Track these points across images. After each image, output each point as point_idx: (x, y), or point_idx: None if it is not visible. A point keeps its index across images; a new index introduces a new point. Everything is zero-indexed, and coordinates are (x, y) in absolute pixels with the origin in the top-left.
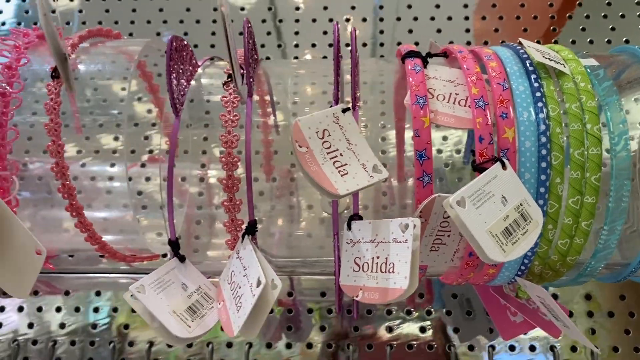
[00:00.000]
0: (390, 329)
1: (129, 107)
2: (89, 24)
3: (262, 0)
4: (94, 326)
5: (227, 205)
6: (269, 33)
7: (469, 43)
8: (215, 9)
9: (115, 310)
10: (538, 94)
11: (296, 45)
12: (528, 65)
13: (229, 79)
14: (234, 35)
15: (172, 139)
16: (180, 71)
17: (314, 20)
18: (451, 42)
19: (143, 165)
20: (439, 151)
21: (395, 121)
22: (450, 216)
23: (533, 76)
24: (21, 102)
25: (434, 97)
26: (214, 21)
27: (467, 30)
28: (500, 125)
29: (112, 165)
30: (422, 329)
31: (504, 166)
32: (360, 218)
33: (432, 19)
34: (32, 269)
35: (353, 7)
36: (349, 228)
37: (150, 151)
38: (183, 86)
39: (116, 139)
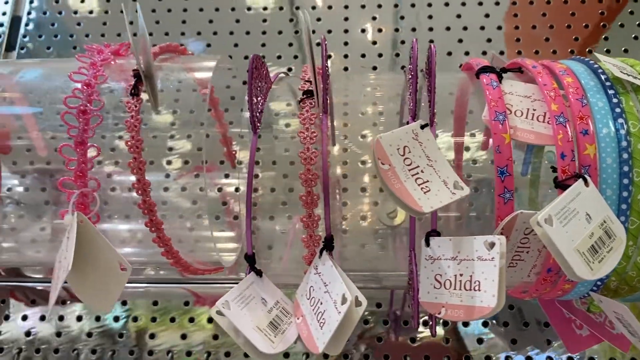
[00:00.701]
0: (447, 341)
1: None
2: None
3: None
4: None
5: (306, 221)
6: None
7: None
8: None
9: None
10: (618, 110)
11: None
12: (604, 80)
13: (306, 96)
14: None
15: (251, 155)
16: (258, 88)
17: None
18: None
19: (197, 176)
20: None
21: (453, 135)
22: (532, 233)
23: (611, 91)
24: (102, 119)
25: (511, 113)
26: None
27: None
28: (580, 142)
29: (167, 176)
30: (480, 341)
31: (586, 183)
32: (438, 234)
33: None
34: (116, 285)
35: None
36: (427, 244)
37: (205, 162)
38: (260, 103)
39: (170, 149)
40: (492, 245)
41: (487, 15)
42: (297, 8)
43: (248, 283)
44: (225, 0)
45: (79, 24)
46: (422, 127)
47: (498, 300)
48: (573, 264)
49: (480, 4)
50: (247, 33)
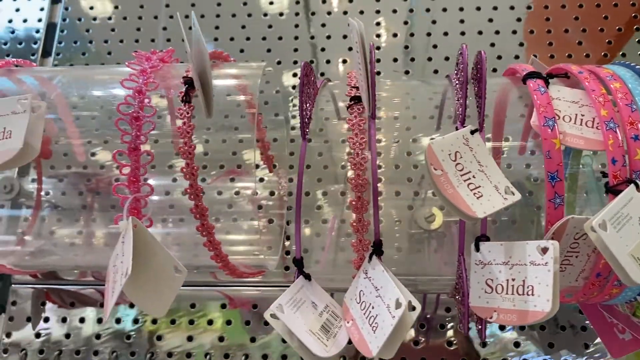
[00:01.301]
0: (484, 345)
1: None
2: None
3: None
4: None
5: (356, 226)
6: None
7: (517, 57)
8: (247, 9)
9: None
10: None
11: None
12: None
13: (354, 102)
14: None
15: (300, 161)
16: (307, 95)
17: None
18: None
19: (232, 180)
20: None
21: (492, 139)
22: (582, 238)
23: None
24: (155, 126)
25: (560, 119)
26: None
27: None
28: (631, 147)
29: (203, 180)
30: (517, 344)
31: (638, 188)
32: (488, 239)
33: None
34: (170, 288)
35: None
36: (477, 249)
37: (239, 166)
38: (308, 110)
39: (206, 154)
40: (545, 250)
41: (518, 20)
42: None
43: (298, 287)
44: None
45: (113, 30)
46: (472, 132)
47: (552, 304)
48: (628, 268)
49: (512, 7)
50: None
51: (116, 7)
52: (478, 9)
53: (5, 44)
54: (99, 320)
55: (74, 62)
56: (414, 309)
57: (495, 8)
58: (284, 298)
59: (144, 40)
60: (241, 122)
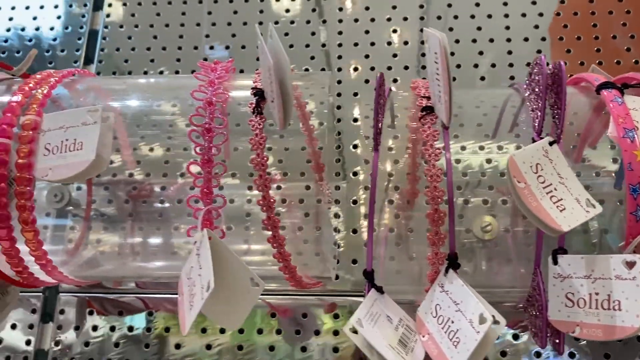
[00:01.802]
0: (538, 355)
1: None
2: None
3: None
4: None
5: (432, 239)
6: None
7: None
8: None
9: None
10: None
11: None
12: None
13: (426, 112)
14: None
15: (373, 170)
16: (380, 105)
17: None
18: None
19: (279, 188)
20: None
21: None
22: None
23: None
24: (227, 138)
25: (638, 130)
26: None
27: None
28: None
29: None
30: (572, 355)
31: None
32: (565, 251)
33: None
34: (246, 301)
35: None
36: (555, 262)
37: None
38: (380, 120)
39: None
40: (632, 264)
41: (565, 26)
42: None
43: (372, 300)
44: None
45: (155, 37)
46: (551, 143)
47: None
48: None
49: (558, 14)
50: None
51: (158, 15)
52: (524, 15)
53: (47, 51)
54: (148, 330)
55: (116, 70)
56: (497, 323)
57: (540, 15)
58: (362, 312)
59: (187, 46)
60: (289, 130)
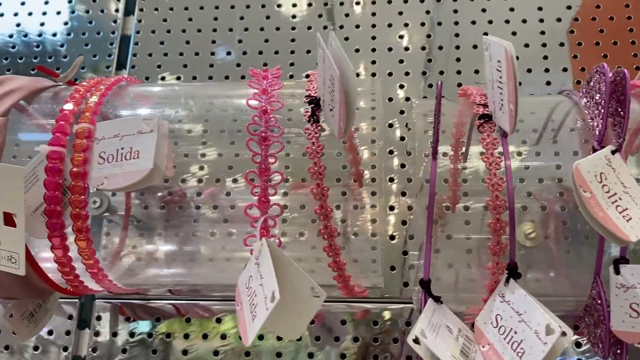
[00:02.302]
0: None
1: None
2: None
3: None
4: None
5: (493, 248)
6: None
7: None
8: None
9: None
10: None
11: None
12: None
13: (485, 119)
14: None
15: (432, 179)
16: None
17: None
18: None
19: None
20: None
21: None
22: None
23: None
24: (283, 146)
25: None
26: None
27: (605, 56)
28: None
29: (286, 194)
30: None
31: None
32: (627, 261)
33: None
34: (307, 312)
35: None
36: (617, 272)
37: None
38: (439, 127)
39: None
40: None
41: (601, 31)
42: (325, 27)
43: (431, 310)
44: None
45: (187, 42)
46: (613, 152)
47: None
48: None
49: (594, 19)
50: (276, 52)
51: (190, 20)
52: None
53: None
54: (186, 336)
55: (149, 75)
56: (564, 334)
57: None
58: (424, 322)
59: (220, 52)
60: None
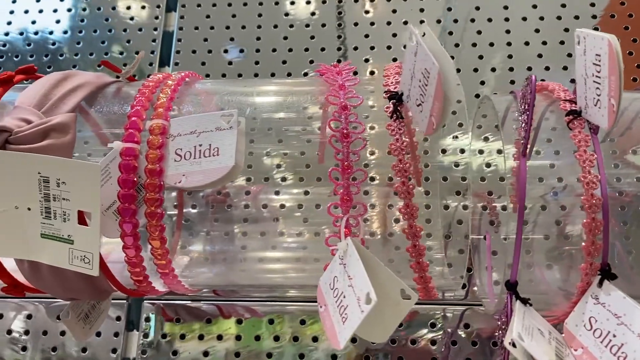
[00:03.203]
0: None
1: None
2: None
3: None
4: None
5: (588, 249)
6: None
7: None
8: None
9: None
10: None
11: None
12: None
13: (575, 116)
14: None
15: (521, 178)
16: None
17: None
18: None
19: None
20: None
21: None
22: None
23: None
24: (366, 143)
25: None
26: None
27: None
28: None
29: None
30: None
31: None
32: None
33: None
34: (395, 314)
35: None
36: None
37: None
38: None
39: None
40: None
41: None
42: (340, 25)
43: (522, 313)
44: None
45: (232, 39)
46: None
47: None
48: None
49: (631, 15)
50: (290, 50)
51: (234, 16)
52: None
53: (121, 53)
54: (238, 338)
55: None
56: None
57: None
58: (518, 325)
59: (265, 49)
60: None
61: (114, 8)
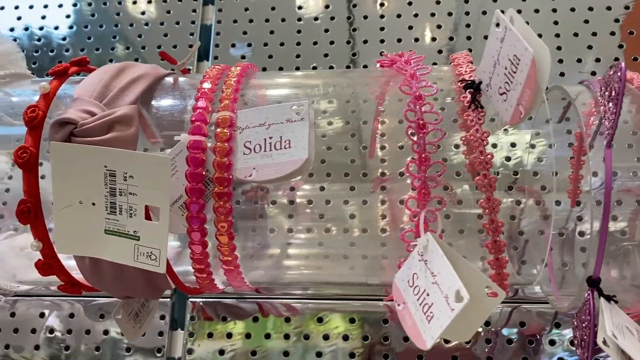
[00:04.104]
0: None
1: None
2: None
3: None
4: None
5: None
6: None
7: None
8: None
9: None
10: None
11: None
12: None
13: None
14: None
15: (607, 169)
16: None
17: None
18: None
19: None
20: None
21: None
22: None
23: None
24: (444, 135)
25: None
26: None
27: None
28: None
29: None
30: None
31: None
32: None
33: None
34: (480, 312)
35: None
36: None
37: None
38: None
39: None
40: None
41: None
42: (349, 18)
43: (609, 310)
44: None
45: (272, 32)
46: None
47: None
48: None
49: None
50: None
51: (273, 9)
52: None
53: (159, 47)
54: (286, 337)
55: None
56: None
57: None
58: (608, 323)
59: (306, 43)
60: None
61: (149, 1)
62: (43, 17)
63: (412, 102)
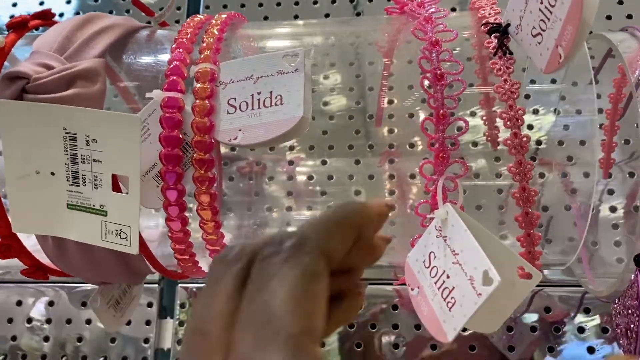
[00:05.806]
0: None
1: None
2: None
3: None
4: None
5: None
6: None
7: None
8: None
9: None
10: None
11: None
12: None
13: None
14: None
15: None
16: None
17: None
18: None
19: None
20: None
21: None
22: None
23: None
24: (465, 86)
25: None
26: None
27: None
28: None
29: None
30: None
31: None
32: None
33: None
34: (511, 297)
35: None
36: None
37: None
38: None
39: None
40: None
41: None
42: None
43: None
44: None
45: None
46: None
47: None
48: None
49: None
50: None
51: None
52: None
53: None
54: None
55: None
56: None
57: None
58: None
59: (304, 1)
60: None
61: None
62: (41, 4)
63: (427, 48)
